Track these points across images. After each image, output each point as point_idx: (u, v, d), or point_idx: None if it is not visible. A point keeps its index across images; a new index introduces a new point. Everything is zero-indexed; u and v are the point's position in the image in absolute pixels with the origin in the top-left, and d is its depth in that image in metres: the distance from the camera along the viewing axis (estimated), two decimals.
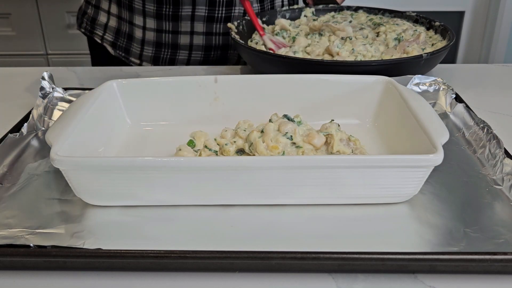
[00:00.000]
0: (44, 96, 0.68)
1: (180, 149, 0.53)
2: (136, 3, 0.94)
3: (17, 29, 1.93)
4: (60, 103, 0.70)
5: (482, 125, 0.60)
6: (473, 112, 0.64)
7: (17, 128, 0.61)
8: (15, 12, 1.90)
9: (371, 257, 0.42)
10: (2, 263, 0.43)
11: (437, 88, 0.72)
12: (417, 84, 0.73)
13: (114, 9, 0.99)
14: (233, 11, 0.95)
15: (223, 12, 0.94)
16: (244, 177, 0.47)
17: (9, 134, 0.59)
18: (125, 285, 0.42)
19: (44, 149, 0.60)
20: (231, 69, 0.91)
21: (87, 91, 0.67)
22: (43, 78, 0.70)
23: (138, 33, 0.97)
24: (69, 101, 0.70)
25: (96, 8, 1.02)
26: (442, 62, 0.92)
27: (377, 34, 0.84)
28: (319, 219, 0.48)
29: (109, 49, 1.01)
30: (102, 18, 1.01)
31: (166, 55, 0.97)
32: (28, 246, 0.43)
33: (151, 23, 0.95)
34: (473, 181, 0.54)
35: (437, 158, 0.46)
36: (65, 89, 0.72)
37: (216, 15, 0.94)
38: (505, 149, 0.55)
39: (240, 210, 0.49)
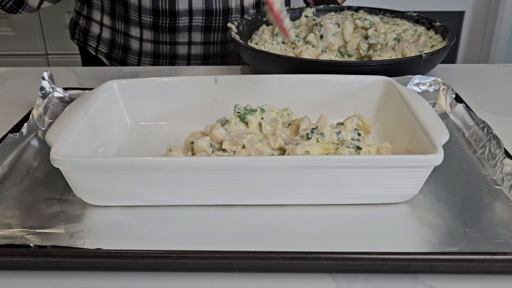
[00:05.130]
0: (44, 96, 0.68)
1: (170, 150, 0.53)
2: (132, 14, 0.93)
3: (17, 29, 1.93)
4: (60, 103, 0.70)
5: (482, 125, 0.60)
6: (473, 112, 0.64)
7: (17, 128, 0.61)
8: None
9: (371, 257, 0.42)
10: (2, 263, 0.43)
11: (437, 88, 0.72)
12: (417, 84, 0.73)
13: (107, 20, 0.97)
14: (230, 19, 0.94)
15: (220, 21, 0.94)
16: (244, 177, 0.47)
17: (9, 134, 0.59)
18: (125, 285, 0.42)
19: (44, 149, 0.60)
20: (231, 69, 0.91)
21: (87, 91, 0.67)
22: (43, 78, 0.70)
23: (134, 45, 0.96)
24: (69, 101, 0.70)
25: (88, 19, 1.00)
26: (442, 62, 0.92)
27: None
28: (319, 219, 0.48)
29: (104, 60, 1.00)
30: (95, 29, 0.99)
31: (164, 65, 0.97)
32: (28, 246, 0.43)
33: (148, 34, 0.94)
34: (473, 181, 0.54)
35: (437, 158, 0.46)
36: (65, 89, 0.72)
37: (213, 24, 0.94)
38: (505, 149, 0.55)
39: (240, 210, 0.49)
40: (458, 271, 0.43)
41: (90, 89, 0.68)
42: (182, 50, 0.95)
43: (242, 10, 0.95)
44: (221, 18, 0.94)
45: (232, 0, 0.93)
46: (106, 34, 0.98)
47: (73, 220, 0.48)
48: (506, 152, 0.55)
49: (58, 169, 0.47)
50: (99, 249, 0.43)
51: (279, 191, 0.48)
